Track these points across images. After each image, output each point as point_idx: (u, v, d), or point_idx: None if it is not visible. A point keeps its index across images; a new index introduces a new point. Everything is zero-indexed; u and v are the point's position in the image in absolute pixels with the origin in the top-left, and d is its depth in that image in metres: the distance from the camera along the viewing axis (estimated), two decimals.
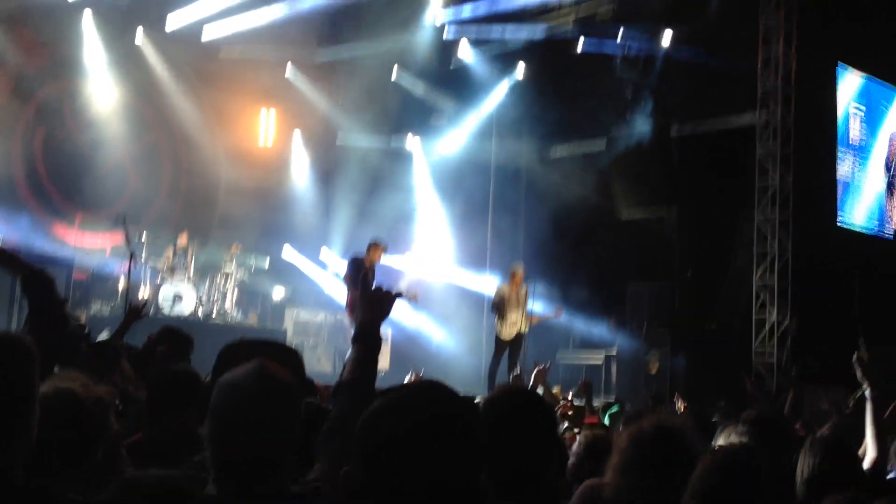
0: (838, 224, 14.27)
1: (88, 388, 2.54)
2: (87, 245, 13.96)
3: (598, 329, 14.83)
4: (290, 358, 2.71)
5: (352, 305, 11.14)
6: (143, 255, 13.11)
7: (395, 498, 1.59)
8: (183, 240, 13.77)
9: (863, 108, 15.06)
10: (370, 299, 2.59)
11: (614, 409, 6.44)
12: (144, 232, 13.18)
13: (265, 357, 2.22)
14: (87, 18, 14.40)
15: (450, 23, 15.68)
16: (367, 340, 2.53)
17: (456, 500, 1.60)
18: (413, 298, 11.39)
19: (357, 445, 1.66)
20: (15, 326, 10.34)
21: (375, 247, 11.40)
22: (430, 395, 1.69)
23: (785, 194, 13.23)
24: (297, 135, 16.89)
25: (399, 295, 2.66)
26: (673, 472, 2.36)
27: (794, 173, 13.23)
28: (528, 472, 2.36)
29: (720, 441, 3.78)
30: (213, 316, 13.81)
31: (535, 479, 2.36)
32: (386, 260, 12.05)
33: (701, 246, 14.56)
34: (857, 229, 14.71)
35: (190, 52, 15.00)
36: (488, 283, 15.78)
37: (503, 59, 16.35)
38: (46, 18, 13.70)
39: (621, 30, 14.74)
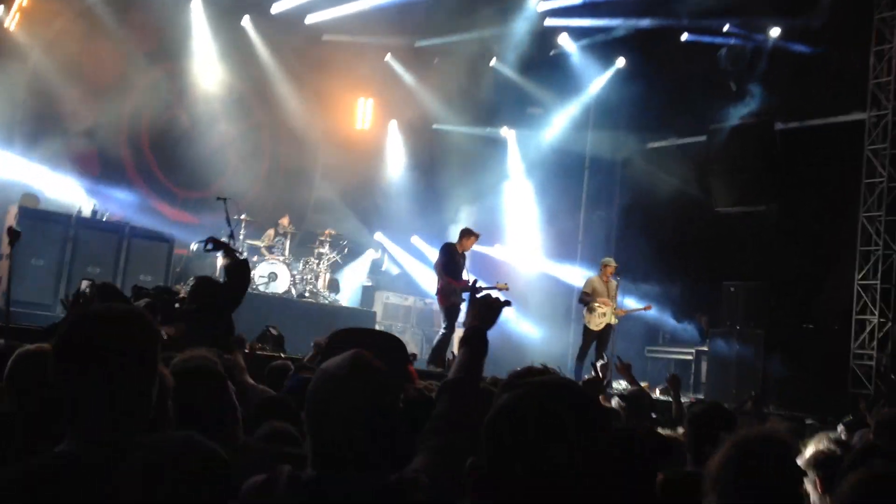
0: None
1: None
2: (188, 222, 14.39)
3: (690, 326, 14.52)
4: (393, 347, 2.78)
5: (443, 292, 11.17)
6: (242, 233, 13.44)
7: (520, 488, 1.65)
8: (285, 221, 14.25)
9: None
10: (480, 305, 2.68)
11: None
12: (243, 213, 13.51)
13: (369, 345, 2.29)
14: (196, 4, 14.82)
15: (550, 11, 15.52)
16: (474, 344, 2.60)
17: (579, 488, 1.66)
18: (503, 288, 11.34)
19: (486, 439, 1.72)
20: (63, 290, 10.76)
21: (468, 234, 11.47)
22: (558, 392, 1.74)
23: (893, 193, 12.71)
24: (393, 123, 17.03)
25: (508, 303, 2.71)
26: (774, 483, 2.31)
27: None
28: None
29: (811, 448, 3.68)
30: (307, 295, 14.12)
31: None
32: (478, 248, 12.08)
33: (800, 243, 14.10)
34: None
35: (293, 36, 15.25)
36: (577, 275, 15.65)
37: (603, 49, 16.03)
38: (157, 1, 14.12)
39: (727, 25, 14.37)
